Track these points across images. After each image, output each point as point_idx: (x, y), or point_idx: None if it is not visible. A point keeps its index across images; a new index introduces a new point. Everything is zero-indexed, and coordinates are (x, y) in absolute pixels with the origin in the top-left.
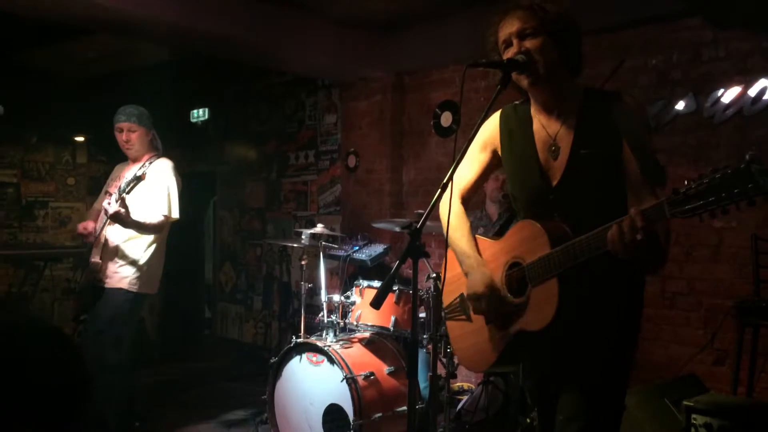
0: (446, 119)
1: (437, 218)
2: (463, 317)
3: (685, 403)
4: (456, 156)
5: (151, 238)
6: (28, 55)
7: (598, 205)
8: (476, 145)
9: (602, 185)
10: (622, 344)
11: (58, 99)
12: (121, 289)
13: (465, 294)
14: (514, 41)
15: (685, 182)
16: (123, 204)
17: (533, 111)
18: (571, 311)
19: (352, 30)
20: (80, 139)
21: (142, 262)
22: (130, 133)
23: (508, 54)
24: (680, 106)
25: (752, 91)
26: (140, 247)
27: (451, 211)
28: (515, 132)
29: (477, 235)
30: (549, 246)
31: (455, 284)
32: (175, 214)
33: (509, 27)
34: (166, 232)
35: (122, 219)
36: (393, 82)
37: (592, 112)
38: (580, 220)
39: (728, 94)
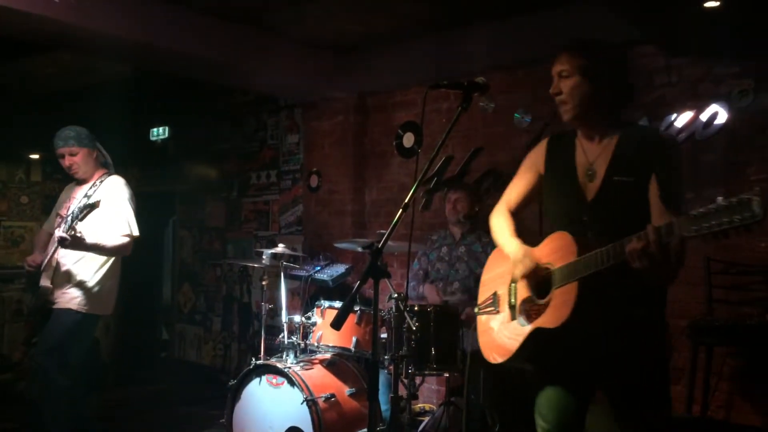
0: (408, 140)
1: (399, 238)
2: (494, 311)
3: None
4: (418, 176)
5: (102, 258)
6: None
7: (625, 225)
8: (524, 166)
9: (630, 209)
10: (643, 359)
11: (13, 115)
12: (70, 309)
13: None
14: (555, 79)
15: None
16: (73, 232)
17: (578, 138)
18: (587, 315)
19: (315, 50)
20: (35, 156)
21: (92, 282)
22: (71, 157)
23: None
24: None
25: (704, 116)
26: (91, 268)
27: (496, 217)
28: (560, 156)
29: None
30: (576, 255)
31: (490, 284)
32: (136, 232)
33: (555, 65)
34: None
35: (78, 245)
36: (356, 102)
37: (629, 144)
38: (610, 238)
39: (681, 119)
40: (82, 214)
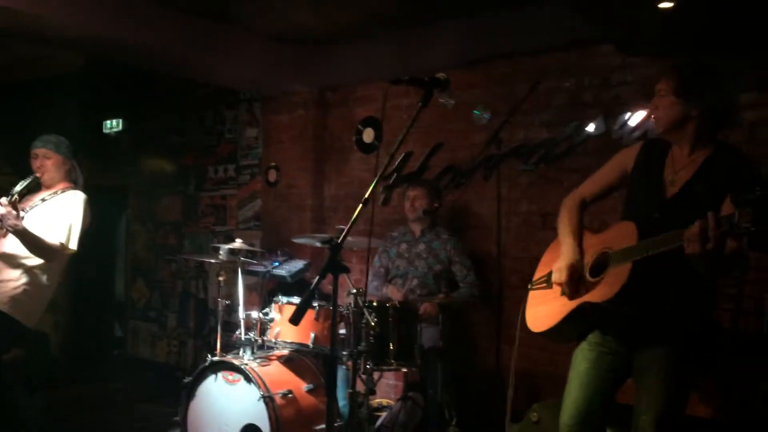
0: (368, 135)
1: (359, 233)
2: (545, 287)
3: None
4: (378, 172)
5: (34, 261)
6: None
7: None
8: (611, 163)
9: (699, 215)
10: (686, 340)
11: None
12: None
13: (554, 266)
14: (656, 95)
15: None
16: (13, 206)
17: (672, 148)
18: (632, 296)
19: (275, 44)
20: None
21: (16, 283)
22: (44, 159)
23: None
24: (591, 128)
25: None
26: (18, 266)
27: (567, 207)
28: (650, 160)
29: (585, 229)
30: (636, 241)
31: (549, 263)
32: (73, 246)
33: (658, 83)
34: (60, 265)
35: (9, 224)
36: (316, 97)
37: (715, 161)
38: None
39: (634, 118)
40: (23, 187)
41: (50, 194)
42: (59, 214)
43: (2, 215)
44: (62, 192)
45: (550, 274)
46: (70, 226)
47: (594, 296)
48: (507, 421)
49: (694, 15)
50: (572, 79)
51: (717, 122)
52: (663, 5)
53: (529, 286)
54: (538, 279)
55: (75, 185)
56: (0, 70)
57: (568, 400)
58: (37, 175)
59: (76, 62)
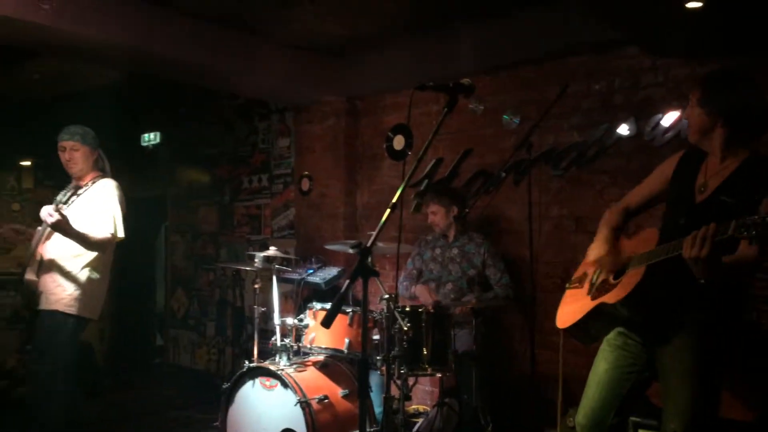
0: (399, 142)
1: (390, 240)
2: (578, 287)
3: (632, 419)
4: (406, 178)
5: (89, 257)
6: None
7: None
8: (655, 173)
9: None
10: (710, 342)
11: (4, 122)
12: (56, 311)
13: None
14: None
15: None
16: (60, 213)
17: (707, 157)
18: (642, 299)
19: (305, 54)
20: (26, 163)
21: (78, 282)
22: (72, 152)
23: None
24: (622, 129)
25: None
26: (76, 267)
27: (609, 211)
28: (686, 168)
29: (622, 235)
30: (654, 246)
31: (585, 265)
32: (120, 234)
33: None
34: (109, 256)
35: (63, 228)
36: (346, 106)
37: (746, 172)
38: None
39: (667, 119)
40: (66, 197)
41: (83, 187)
42: (100, 207)
43: (55, 223)
44: (93, 183)
45: (584, 274)
46: (114, 216)
47: (610, 297)
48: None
49: (723, 14)
50: (602, 82)
51: (748, 130)
52: (690, 5)
53: (567, 285)
54: (574, 279)
55: (104, 174)
56: (39, 86)
57: (584, 399)
58: (67, 167)
59: (113, 77)
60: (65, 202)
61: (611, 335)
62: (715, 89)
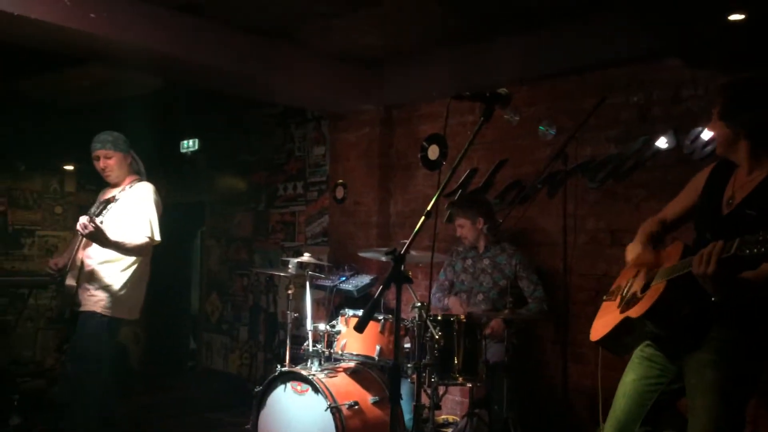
0: (433, 152)
1: (424, 249)
2: (612, 299)
3: None
4: (440, 187)
5: (128, 261)
6: (20, 83)
7: None
8: (689, 185)
9: None
10: (736, 359)
11: (49, 127)
12: (95, 312)
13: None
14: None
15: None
16: (94, 224)
17: (737, 168)
18: (666, 313)
19: (342, 64)
20: (69, 167)
21: (117, 285)
22: (106, 160)
23: None
24: (661, 142)
25: None
26: (116, 270)
27: (647, 221)
28: (717, 180)
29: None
30: (678, 260)
31: (622, 276)
32: (157, 237)
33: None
34: (147, 258)
35: (98, 239)
36: (382, 115)
37: None
38: None
39: (707, 132)
40: (99, 209)
41: (120, 191)
42: (136, 211)
43: (89, 234)
44: (130, 187)
45: (618, 286)
46: (150, 220)
47: (634, 311)
48: None
49: (764, 26)
50: (640, 93)
51: None
52: (733, 17)
53: (604, 297)
54: (610, 291)
55: (140, 177)
56: (83, 92)
57: (612, 410)
58: (104, 176)
59: (154, 85)
60: (98, 214)
61: (640, 347)
62: (734, 101)
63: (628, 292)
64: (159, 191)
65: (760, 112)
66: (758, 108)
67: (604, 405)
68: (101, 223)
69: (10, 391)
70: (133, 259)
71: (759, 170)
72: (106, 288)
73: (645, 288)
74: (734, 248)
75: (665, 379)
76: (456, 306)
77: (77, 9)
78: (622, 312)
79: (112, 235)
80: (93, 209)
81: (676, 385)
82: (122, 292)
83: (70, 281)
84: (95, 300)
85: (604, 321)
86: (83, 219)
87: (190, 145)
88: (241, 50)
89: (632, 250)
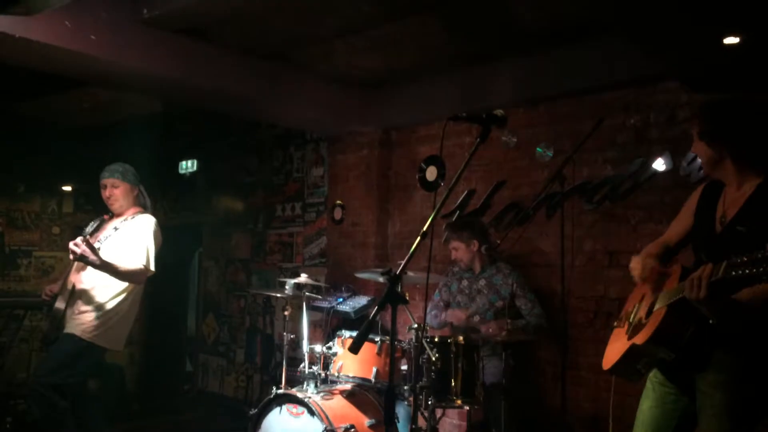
0: (431, 173)
1: (420, 270)
2: (621, 326)
3: None
4: (436, 208)
5: (118, 289)
6: (21, 104)
7: None
8: (684, 208)
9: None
10: (744, 383)
11: (48, 149)
12: (73, 335)
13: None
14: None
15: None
16: (88, 244)
17: (726, 186)
18: (667, 338)
19: (341, 86)
20: (68, 188)
21: (103, 312)
22: (113, 189)
23: None
24: (658, 164)
25: None
26: (105, 298)
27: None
28: (708, 200)
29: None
30: (677, 283)
31: (630, 300)
32: (152, 267)
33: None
34: (139, 291)
35: (89, 260)
36: (380, 137)
37: (759, 198)
38: None
39: None
40: (93, 229)
41: (122, 221)
42: (135, 239)
43: (81, 254)
44: (132, 218)
45: (626, 312)
46: (147, 249)
47: (639, 338)
48: None
49: (759, 49)
50: (637, 116)
51: (756, 155)
52: (728, 40)
53: (614, 324)
54: (620, 317)
55: (144, 209)
56: (82, 114)
57: None
58: (108, 204)
59: (153, 106)
60: (92, 234)
61: (652, 372)
62: (711, 120)
63: (634, 317)
64: (158, 212)
65: (740, 131)
66: (738, 127)
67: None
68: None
69: (2, 413)
70: (123, 286)
71: (748, 185)
72: (90, 314)
73: (649, 313)
74: (721, 271)
75: (683, 402)
76: (456, 315)
77: (78, 31)
78: (629, 339)
79: (107, 257)
80: (87, 229)
81: (693, 409)
82: (107, 321)
83: (59, 304)
84: (77, 323)
85: (615, 348)
86: (77, 239)
87: (188, 166)
88: (240, 73)
89: (637, 270)
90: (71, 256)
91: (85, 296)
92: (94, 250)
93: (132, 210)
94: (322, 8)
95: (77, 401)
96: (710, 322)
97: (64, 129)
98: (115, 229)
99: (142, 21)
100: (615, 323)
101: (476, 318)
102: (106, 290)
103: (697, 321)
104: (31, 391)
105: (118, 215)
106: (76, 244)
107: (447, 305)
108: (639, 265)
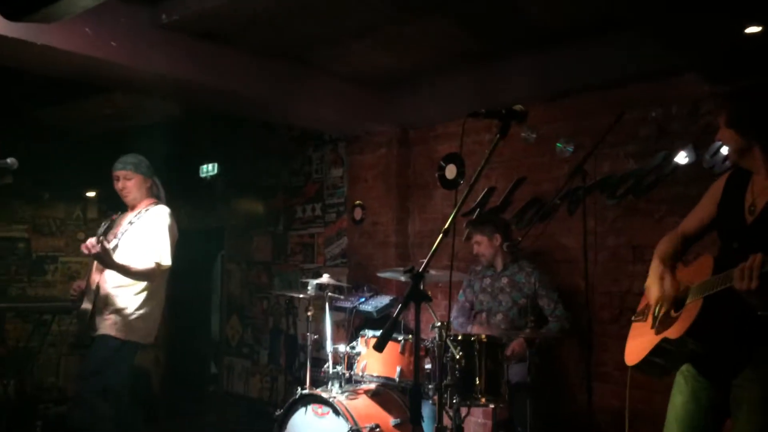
0: (451, 171)
1: (443, 268)
2: (642, 320)
3: None
4: (457, 205)
5: (142, 284)
6: (43, 111)
7: None
8: (706, 196)
9: None
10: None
11: (72, 155)
12: (108, 335)
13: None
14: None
15: None
16: (102, 246)
17: (753, 175)
18: (707, 331)
19: (358, 85)
20: (92, 194)
21: (131, 309)
22: (125, 181)
23: None
24: (680, 157)
25: None
26: (130, 294)
27: (665, 237)
28: (734, 189)
29: (680, 263)
30: (710, 274)
31: (645, 298)
32: (167, 262)
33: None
34: (162, 281)
35: (104, 260)
36: (398, 136)
37: None
38: None
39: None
40: (104, 229)
41: (136, 215)
42: (147, 236)
43: (95, 255)
44: (146, 210)
45: (647, 305)
46: (160, 245)
47: (672, 332)
48: None
49: None
50: (659, 109)
51: None
52: (749, 30)
53: (633, 318)
54: (640, 310)
55: (158, 201)
56: (104, 120)
57: None
58: (122, 195)
59: (173, 111)
60: (105, 233)
61: (684, 366)
62: (740, 108)
63: (659, 312)
64: (179, 217)
65: None
66: (766, 112)
67: (632, 426)
68: (108, 243)
69: (32, 417)
70: (145, 283)
71: None
72: (119, 311)
73: (679, 306)
74: None
75: (718, 400)
76: (480, 332)
77: (99, 38)
78: (657, 333)
79: (120, 258)
80: (101, 229)
81: (724, 403)
82: (136, 316)
83: (85, 305)
84: (109, 323)
85: (638, 343)
86: (91, 240)
87: (209, 169)
88: (258, 75)
89: (652, 290)
90: (89, 256)
91: (110, 296)
92: (108, 253)
93: (146, 202)
94: (339, 10)
95: (119, 407)
96: (758, 313)
97: (86, 135)
98: (130, 223)
99: (161, 26)
100: (633, 317)
101: (498, 330)
102: (131, 288)
103: (738, 313)
104: (77, 396)
105: (132, 208)
106: (86, 247)
107: (471, 306)
108: (656, 288)
